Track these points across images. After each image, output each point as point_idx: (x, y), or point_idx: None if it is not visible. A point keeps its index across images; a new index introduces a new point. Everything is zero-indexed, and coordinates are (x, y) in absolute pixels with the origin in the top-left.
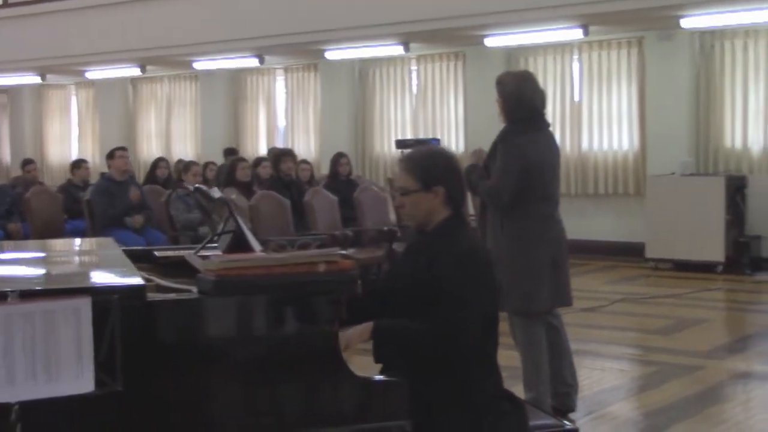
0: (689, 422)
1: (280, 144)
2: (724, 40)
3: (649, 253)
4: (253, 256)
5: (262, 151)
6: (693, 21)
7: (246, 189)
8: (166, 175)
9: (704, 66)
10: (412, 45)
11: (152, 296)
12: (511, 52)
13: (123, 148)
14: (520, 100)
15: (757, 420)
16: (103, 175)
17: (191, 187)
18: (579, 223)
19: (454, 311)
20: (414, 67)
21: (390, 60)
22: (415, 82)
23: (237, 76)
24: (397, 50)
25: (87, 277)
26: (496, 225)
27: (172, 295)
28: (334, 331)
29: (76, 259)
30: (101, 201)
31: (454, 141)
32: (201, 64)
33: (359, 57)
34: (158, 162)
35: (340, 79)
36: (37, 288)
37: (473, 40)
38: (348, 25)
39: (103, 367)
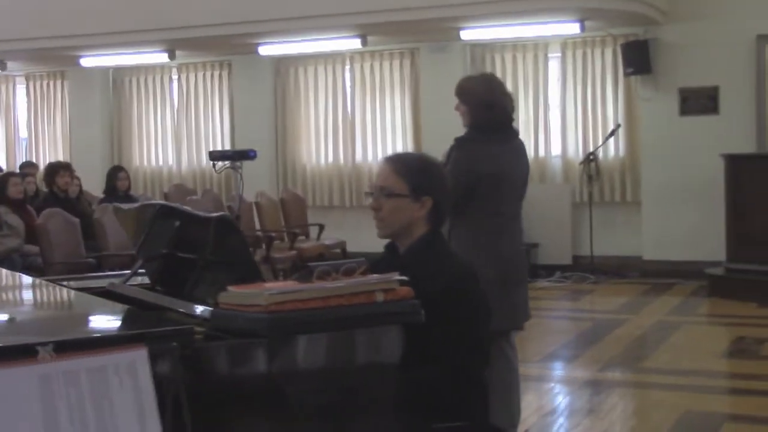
0: None
1: (22, 157)
2: (494, 52)
3: None
4: (304, 287)
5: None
6: (471, 33)
7: (20, 207)
8: None
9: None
10: (177, 53)
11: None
12: (279, 61)
13: None
14: (491, 105)
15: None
16: None
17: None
18: (354, 235)
19: (462, 351)
20: (175, 76)
21: (148, 68)
22: (176, 91)
23: None
24: (161, 58)
25: (127, 320)
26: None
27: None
28: (396, 367)
29: (44, 299)
30: None
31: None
32: None
33: (117, 65)
34: None
35: (91, 88)
36: (75, 337)
37: (246, 49)
38: (107, 30)
39: None
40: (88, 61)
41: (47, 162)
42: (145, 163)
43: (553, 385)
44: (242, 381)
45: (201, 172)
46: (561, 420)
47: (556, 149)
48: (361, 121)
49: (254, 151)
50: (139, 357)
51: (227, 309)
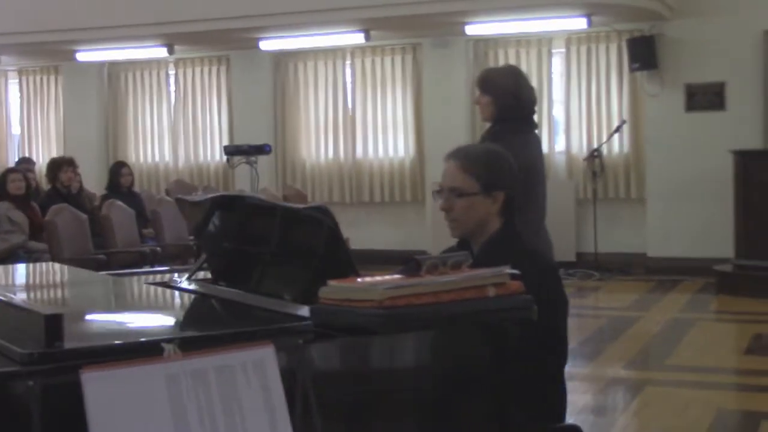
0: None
1: (15, 153)
2: (498, 48)
3: None
4: (418, 281)
5: None
6: (477, 28)
7: (23, 203)
8: None
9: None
10: (176, 47)
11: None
12: (280, 57)
13: None
14: (519, 97)
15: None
16: None
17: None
18: (355, 232)
19: (542, 348)
20: (172, 71)
21: (145, 63)
22: (173, 86)
23: None
24: (160, 52)
25: (246, 316)
26: None
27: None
28: (507, 366)
29: (137, 295)
30: None
31: (218, 149)
32: None
33: (114, 59)
34: None
35: (86, 84)
36: (204, 334)
37: (246, 44)
38: (104, 24)
39: None
40: (84, 56)
41: (39, 158)
42: (141, 159)
43: (579, 383)
44: (358, 379)
45: (198, 169)
46: (594, 419)
47: (560, 145)
48: (362, 116)
49: (270, 146)
50: (266, 355)
51: (330, 304)
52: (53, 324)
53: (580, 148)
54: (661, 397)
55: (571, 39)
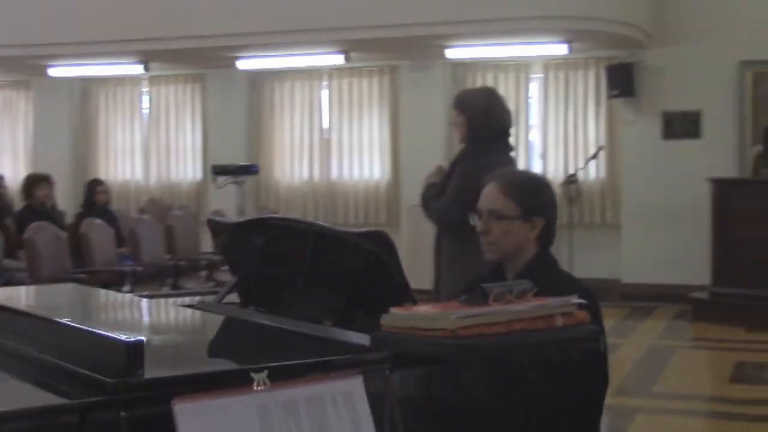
0: None
1: None
2: (476, 72)
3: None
4: (490, 310)
5: None
6: (457, 52)
7: None
8: None
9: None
10: (151, 65)
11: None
12: (256, 77)
13: None
14: (491, 116)
15: None
16: None
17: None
18: None
19: (596, 375)
20: (146, 88)
21: (118, 80)
22: (146, 104)
23: None
24: (135, 69)
25: (330, 345)
26: (452, 254)
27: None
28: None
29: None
30: None
31: (191, 168)
32: None
33: (88, 75)
34: None
35: (57, 99)
36: (291, 363)
37: (224, 62)
38: (80, 39)
39: None
40: (57, 71)
41: (7, 175)
42: (112, 176)
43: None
44: (426, 410)
45: (170, 187)
46: None
47: (536, 170)
48: (338, 138)
49: (257, 166)
50: (355, 385)
51: (394, 333)
52: (134, 352)
53: (557, 173)
54: (655, 426)
55: (549, 65)
